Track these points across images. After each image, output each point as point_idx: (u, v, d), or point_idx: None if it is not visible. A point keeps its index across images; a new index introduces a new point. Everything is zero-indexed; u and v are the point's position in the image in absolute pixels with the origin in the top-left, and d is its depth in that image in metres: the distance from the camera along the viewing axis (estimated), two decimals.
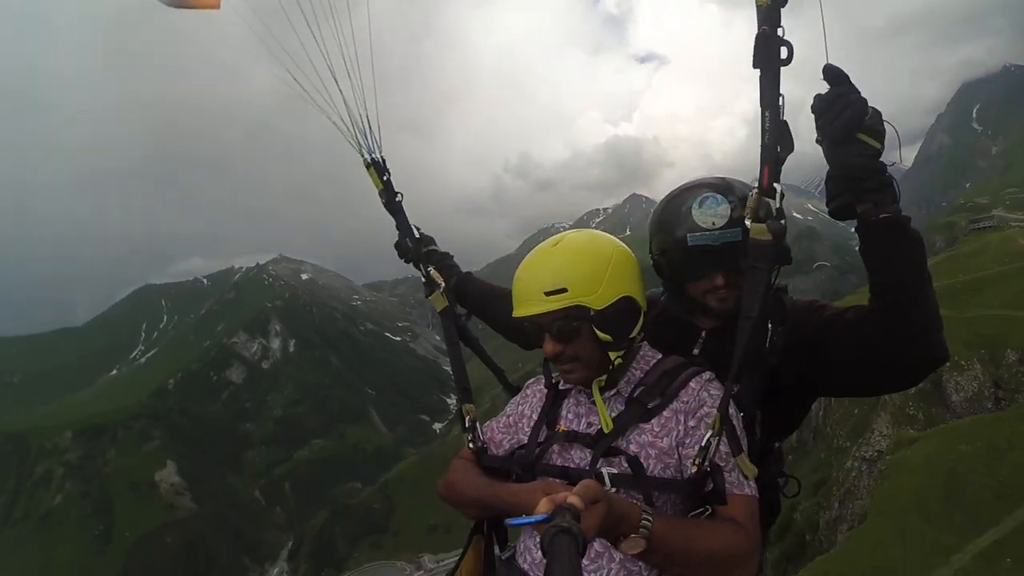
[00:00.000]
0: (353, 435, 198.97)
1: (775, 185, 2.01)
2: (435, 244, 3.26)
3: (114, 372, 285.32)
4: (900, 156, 2.01)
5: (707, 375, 2.22)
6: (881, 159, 1.95)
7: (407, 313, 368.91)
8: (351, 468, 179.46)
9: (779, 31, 1.90)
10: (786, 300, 2.51)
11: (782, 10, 1.91)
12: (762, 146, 2.00)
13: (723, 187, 2.45)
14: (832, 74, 1.90)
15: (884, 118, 1.93)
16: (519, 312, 2.21)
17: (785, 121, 1.97)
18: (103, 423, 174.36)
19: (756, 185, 2.07)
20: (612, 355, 2.20)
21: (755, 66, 1.93)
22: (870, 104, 1.91)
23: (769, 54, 1.91)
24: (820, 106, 1.93)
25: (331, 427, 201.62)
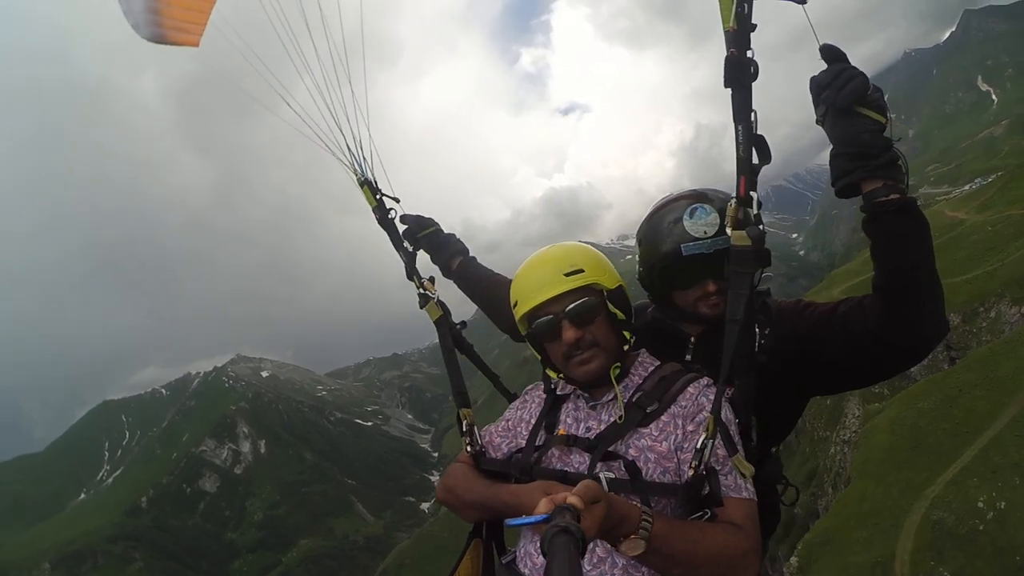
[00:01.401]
0: (341, 528, 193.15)
1: (751, 193, 2.13)
2: (435, 225, 3.45)
3: (82, 496, 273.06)
4: (892, 132, 2.03)
5: (705, 380, 2.25)
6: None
7: (375, 396, 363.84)
8: (345, 563, 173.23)
9: (748, 53, 2.02)
10: (771, 303, 2.58)
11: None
12: (737, 158, 2.09)
13: (704, 198, 2.56)
14: (830, 52, 1.99)
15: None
16: (536, 300, 2.24)
17: (762, 135, 2.08)
18: (80, 549, 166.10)
19: (734, 194, 2.17)
20: (627, 335, 2.31)
21: (726, 86, 2.04)
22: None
23: (739, 74, 2.02)
24: (824, 79, 1.99)
25: (317, 523, 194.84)
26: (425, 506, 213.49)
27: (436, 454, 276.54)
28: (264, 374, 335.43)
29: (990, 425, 27.97)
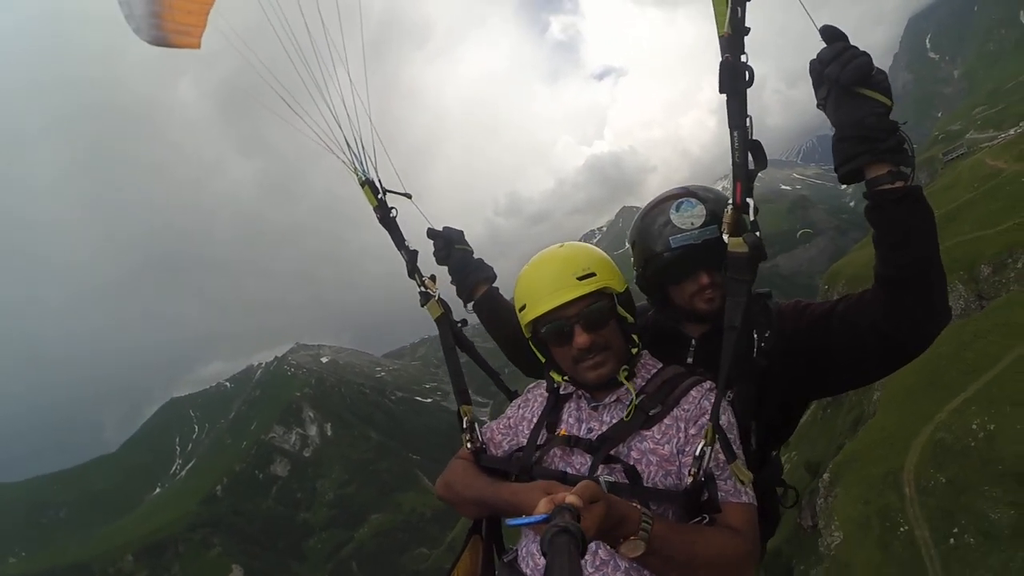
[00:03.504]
0: (408, 502, 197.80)
1: (748, 200, 2.11)
2: (467, 243, 3.33)
3: (157, 490, 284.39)
4: (898, 114, 1.94)
5: (708, 384, 2.24)
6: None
7: (433, 373, 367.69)
8: (414, 535, 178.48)
9: (743, 58, 1.98)
10: (772, 306, 2.59)
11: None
12: (733, 164, 2.07)
13: (689, 193, 2.61)
14: (831, 32, 1.93)
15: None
16: (548, 305, 2.20)
17: (757, 140, 2.05)
18: (161, 539, 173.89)
19: (730, 201, 2.15)
20: (635, 337, 2.32)
21: (721, 91, 2.00)
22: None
23: (734, 80, 1.98)
24: (826, 58, 1.93)
25: (385, 499, 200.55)
26: None
27: None
28: (324, 360, 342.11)
29: (996, 364, 32.79)
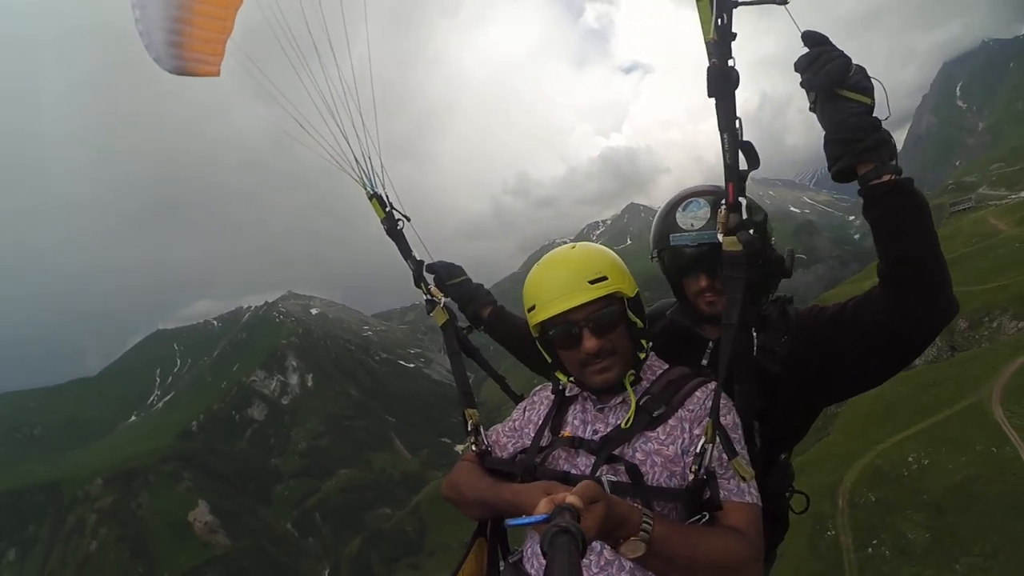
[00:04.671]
0: (379, 461, 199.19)
1: (740, 199, 2.14)
2: (465, 274, 3.49)
3: (133, 419, 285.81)
4: (888, 109, 2.01)
5: (713, 384, 2.19)
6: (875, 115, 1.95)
7: (418, 340, 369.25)
8: (381, 494, 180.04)
9: (730, 62, 2.01)
10: (791, 310, 2.60)
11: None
12: (724, 166, 2.11)
13: (710, 192, 2.65)
14: (811, 37, 1.95)
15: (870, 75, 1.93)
16: (558, 308, 2.18)
17: (749, 141, 2.09)
18: (132, 468, 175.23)
19: (723, 201, 2.18)
20: (644, 342, 2.31)
21: (709, 95, 2.03)
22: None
23: (722, 84, 2.01)
24: (802, 63, 1.97)
25: (356, 456, 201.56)
26: (460, 448, 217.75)
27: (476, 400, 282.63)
28: (314, 311, 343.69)
29: (944, 410, 36.55)
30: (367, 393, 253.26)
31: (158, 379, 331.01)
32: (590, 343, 2.17)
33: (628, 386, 2.24)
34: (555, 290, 2.20)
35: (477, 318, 3.41)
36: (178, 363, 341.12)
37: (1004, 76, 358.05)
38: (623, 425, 2.18)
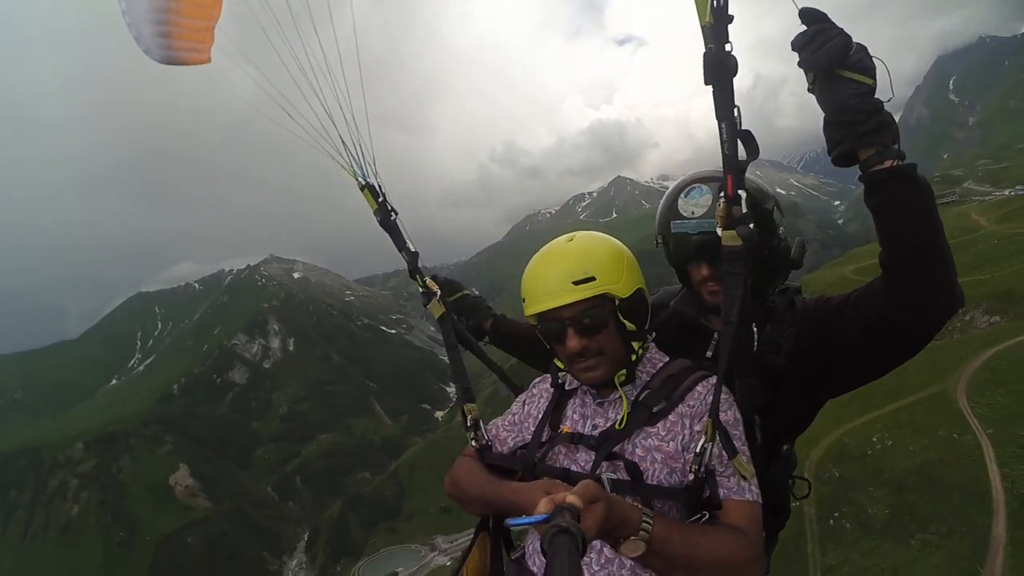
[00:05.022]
0: (359, 427, 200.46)
1: (740, 192, 2.02)
2: (462, 289, 3.53)
3: (114, 382, 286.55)
4: (892, 90, 1.94)
5: (714, 379, 2.13)
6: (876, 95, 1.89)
7: (401, 306, 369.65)
8: (360, 459, 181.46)
9: (727, 47, 1.89)
10: (798, 301, 2.54)
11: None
12: (723, 156, 2.00)
13: (715, 179, 2.46)
14: (810, 15, 1.86)
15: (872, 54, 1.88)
16: (542, 306, 2.15)
17: (747, 130, 1.98)
18: (113, 431, 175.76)
19: (722, 194, 2.06)
20: (635, 345, 2.21)
21: (706, 83, 1.92)
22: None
23: (719, 71, 1.90)
24: (800, 42, 1.87)
25: (337, 421, 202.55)
26: (439, 414, 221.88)
27: None
28: (296, 275, 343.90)
29: (911, 395, 36.80)
30: (348, 358, 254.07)
31: (139, 342, 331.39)
32: (573, 343, 2.12)
33: (618, 386, 2.19)
34: (542, 287, 2.16)
35: (479, 331, 3.45)
36: (159, 326, 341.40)
37: (999, 73, 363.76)
38: (617, 426, 2.14)
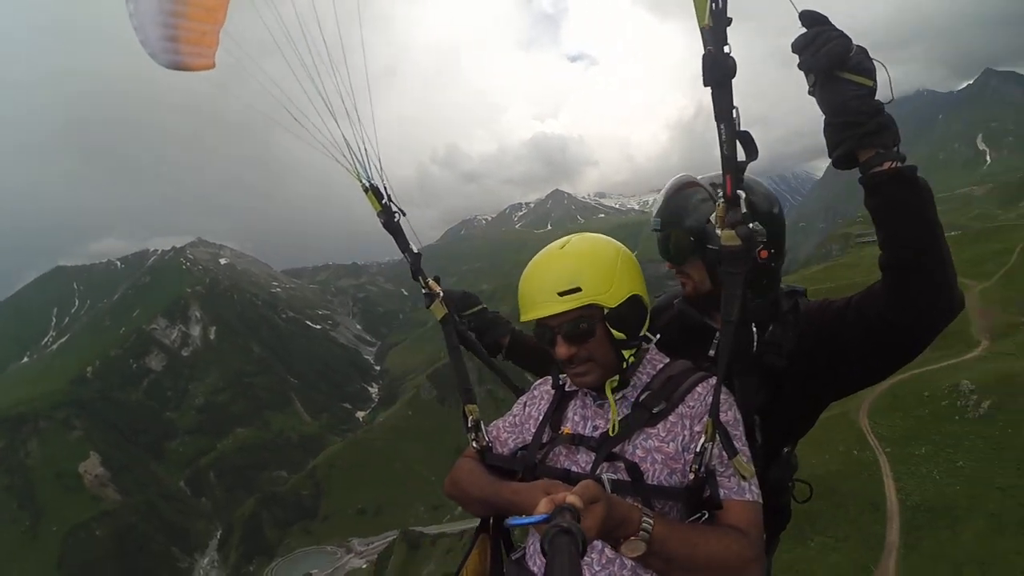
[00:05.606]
0: (277, 423, 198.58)
1: (739, 192, 2.02)
2: (479, 303, 3.40)
3: (25, 360, 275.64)
4: (892, 91, 1.92)
5: (714, 380, 2.09)
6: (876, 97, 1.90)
7: (328, 301, 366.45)
8: (277, 456, 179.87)
9: (726, 49, 1.88)
10: (802, 303, 2.53)
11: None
12: (722, 157, 1.99)
13: (691, 183, 2.53)
14: (810, 17, 1.87)
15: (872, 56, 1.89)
16: (531, 315, 2.16)
17: (746, 131, 1.96)
18: (23, 412, 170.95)
19: (721, 194, 2.06)
20: (626, 353, 2.19)
21: (705, 84, 1.92)
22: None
23: (718, 72, 1.89)
24: (800, 44, 1.89)
25: (255, 415, 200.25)
26: (360, 415, 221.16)
27: (379, 367, 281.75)
28: (222, 261, 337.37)
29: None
30: (270, 351, 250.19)
31: (54, 319, 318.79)
32: (562, 350, 2.13)
33: (609, 394, 2.18)
34: (529, 295, 2.18)
35: (496, 347, 3.34)
36: (76, 303, 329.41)
37: (933, 125, 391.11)
38: (610, 432, 2.13)
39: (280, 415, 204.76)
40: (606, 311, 2.12)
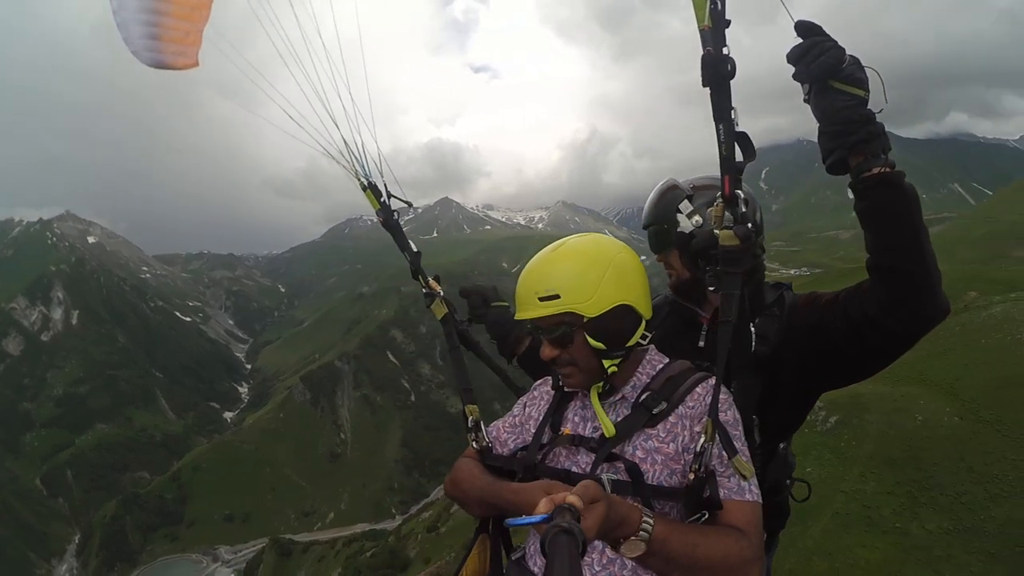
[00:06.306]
0: (141, 420, 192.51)
1: (737, 192, 2.04)
2: (499, 298, 3.33)
3: None
4: (885, 98, 1.99)
5: (713, 380, 2.08)
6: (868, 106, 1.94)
7: (200, 292, 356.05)
8: (140, 455, 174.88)
9: (724, 50, 1.92)
10: (788, 296, 2.56)
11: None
12: (720, 157, 2.02)
13: (674, 186, 2.65)
14: (805, 27, 1.91)
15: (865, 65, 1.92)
16: (519, 315, 2.18)
17: (744, 132, 2.00)
18: None
19: (719, 194, 2.09)
20: (606, 363, 2.15)
21: (704, 85, 1.95)
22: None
23: (717, 73, 1.92)
24: (796, 54, 1.92)
25: (117, 410, 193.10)
26: (228, 415, 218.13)
27: (249, 366, 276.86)
28: (91, 240, 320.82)
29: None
30: (136, 341, 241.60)
31: None
32: (545, 351, 2.16)
33: (594, 399, 2.18)
34: (519, 295, 2.18)
35: (512, 350, 3.27)
36: None
37: (809, 173, 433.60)
38: (605, 434, 2.11)
39: (143, 412, 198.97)
40: (585, 320, 2.08)
